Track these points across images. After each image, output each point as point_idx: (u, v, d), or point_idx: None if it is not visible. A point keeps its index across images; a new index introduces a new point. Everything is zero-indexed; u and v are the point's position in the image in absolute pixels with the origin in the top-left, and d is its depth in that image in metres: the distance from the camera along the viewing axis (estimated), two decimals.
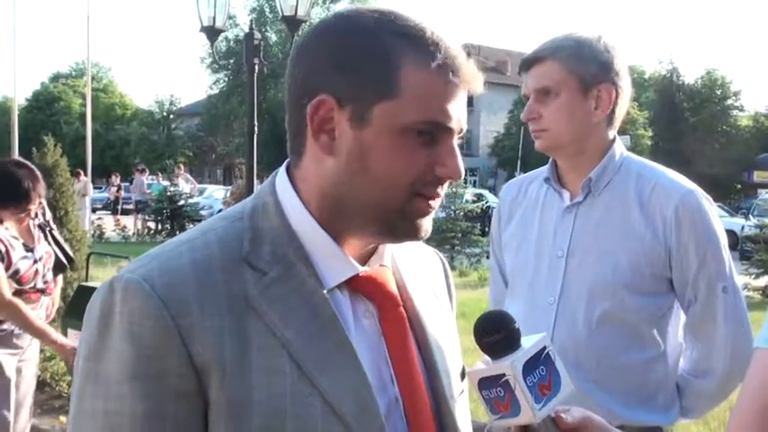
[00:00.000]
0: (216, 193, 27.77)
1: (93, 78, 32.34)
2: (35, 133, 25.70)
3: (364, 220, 1.04)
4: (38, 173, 3.65)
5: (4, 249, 3.47)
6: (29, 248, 3.62)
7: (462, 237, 16.08)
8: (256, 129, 7.73)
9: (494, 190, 35.86)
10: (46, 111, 53.92)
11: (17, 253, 3.54)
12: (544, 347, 1.13)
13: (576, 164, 2.05)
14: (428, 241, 1.13)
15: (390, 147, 1.00)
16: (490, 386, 1.11)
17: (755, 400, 1.12)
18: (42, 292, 3.70)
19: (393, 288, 1.11)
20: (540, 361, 1.12)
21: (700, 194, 2.02)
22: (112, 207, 26.34)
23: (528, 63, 2.03)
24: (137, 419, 0.95)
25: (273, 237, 1.04)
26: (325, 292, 1.03)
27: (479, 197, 22.57)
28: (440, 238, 15.32)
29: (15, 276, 3.53)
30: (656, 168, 2.08)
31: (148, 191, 21.91)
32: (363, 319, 1.07)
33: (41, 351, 4.30)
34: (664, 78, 43.39)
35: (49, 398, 5.51)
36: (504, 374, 1.10)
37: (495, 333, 1.12)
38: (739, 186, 40.01)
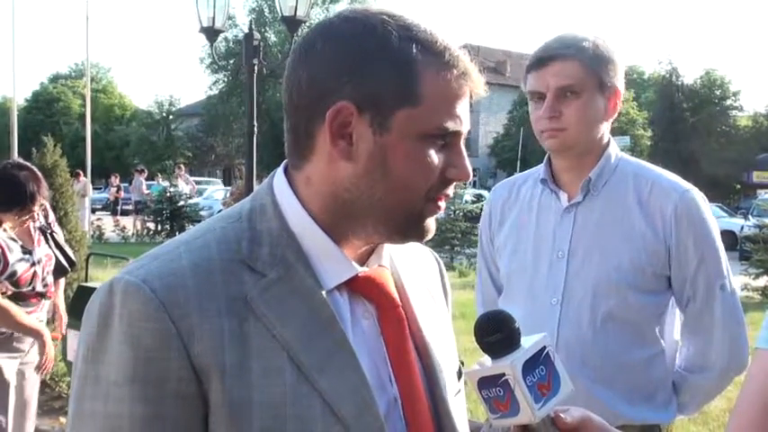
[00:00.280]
0: (216, 193, 27.76)
1: (92, 79, 32.37)
2: (34, 134, 25.70)
3: (376, 222, 1.05)
4: (40, 174, 3.64)
5: (0, 252, 3.47)
6: (27, 250, 3.62)
7: (462, 237, 16.08)
8: (256, 129, 7.73)
9: None
10: (45, 111, 53.87)
11: (14, 255, 3.53)
12: (544, 347, 1.14)
13: (577, 164, 2.06)
14: (428, 241, 1.13)
15: (411, 152, 1.02)
16: (490, 386, 1.12)
17: (756, 401, 1.12)
18: (42, 295, 3.69)
19: (392, 288, 1.12)
20: (539, 361, 1.12)
21: (697, 193, 2.05)
22: (112, 208, 26.32)
23: (546, 60, 1.99)
24: (136, 422, 0.95)
25: (272, 238, 1.04)
26: (323, 293, 1.03)
27: (479, 198, 22.59)
28: (439, 239, 15.33)
29: (12, 278, 3.52)
30: (651, 169, 2.11)
31: (147, 191, 21.90)
32: (362, 319, 1.07)
33: None
34: (663, 79, 43.35)
35: (48, 398, 5.51)
36: (503, 374, 1.10)
37: (495, 333, 1.12)
38: (738, 186, 40.01)
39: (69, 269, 3.98)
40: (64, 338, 5.20)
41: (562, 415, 1.14)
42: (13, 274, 3.52)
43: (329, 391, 0.98)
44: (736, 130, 42.58)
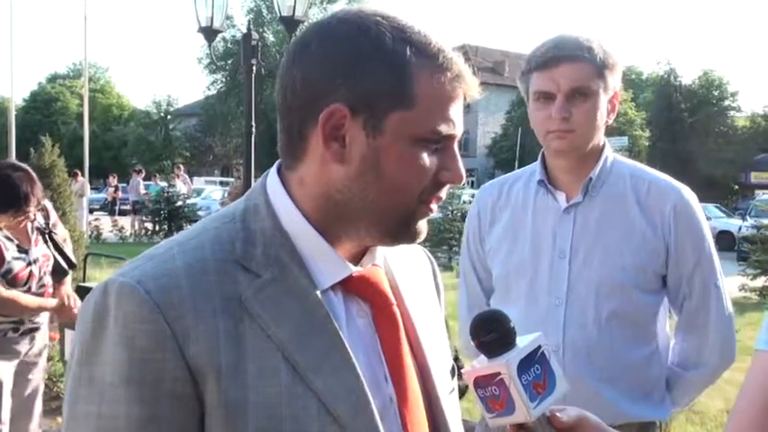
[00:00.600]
0: (213, 193, 27.75)
1: (90, 79, 32.38)
2: (32, 134, 25.69)
3: (369, 224, 1.05)
4: (34, 175, 3.63)
5: None
6: (23, 250, 3.61)
7: (460, 237, 16.01)
8: (254, 129, 7.74)
9: None
10: (43, 111, 53.82)
11: (10, 253, 3.53)
12: (539, 347, 1.14)
13: (577, 165, 2.07)
14: (425, 242, 1.13)
15: (404, 155, 1.01)
16: (486, 385, 1.12)
17: (756, 401, 1.13)
18: (40, 296, 3.68)
19: (386, 287, 1.12)
20: (535, 360, 1.13)
21: (692, 193, 2.09)
22: (110, 208, 26.31)
23: (556, 60, 1.96)
24: (132, 423, 0.95)
25: (265, 238, 1.04)
26: (318, 292, 1.03)
27: None
28: (437, 239, 15.34)
29: (7, 276, 3.52)
30: (646, 169, 2.14)
31: (145, 191, 21.89)
32: (357, 318, 1.07)
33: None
34: (661, 79, 43.38)
35: (47, 399, 5.48)
36: (499, 373, 1.11)
37: (490, 332, 1.13)
38: (737, 187, 40.07)
39: (69, 271, 3.96)
40: (62, 339, 5.20)
41: (558, 414, 1.14)
42: (9, 271, 3.52)
43: (325, 390, 0.98)
44: (734, 131, 42.61)
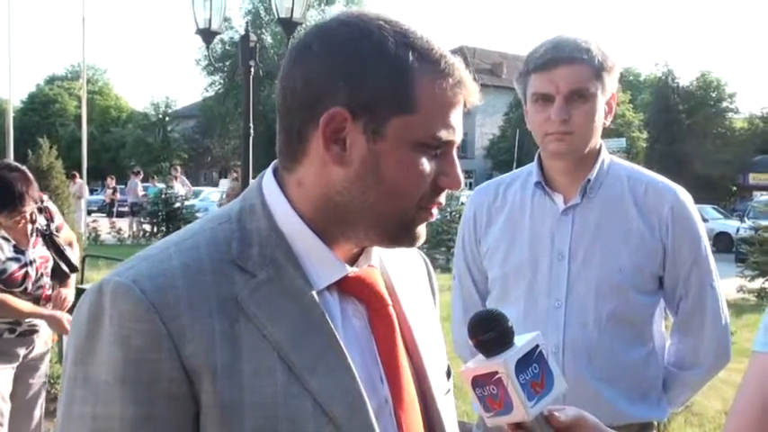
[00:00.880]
0: (212, 195, 27.74)
1: (88, 81, 32.36)
2: (31, 136, 25.73)
3: (368, 227, 1.05)
4: (30, 176, 3.62)
5: None
6: (19, 250, 3.60)
7: None
8: (252, 131, 7.74)
9: None
10: (41, 113, 53.76)
11: (5, 253, 3.52)
12: (537, 346, 1.14)
13: (575, 167, 2.07)
14: (423, 243, 1.14)
15: (404, 160, 1.01)
16: (483, 384, 1.12)
17: (754, 403, 1.13)
18: (37, 298, 3.67)
19: (382, 288, 1.12)
20: (532, 359, 1.13)
21: (687, 194, 2.10)
22: (108, 209, 26.29)
23: (556, 62, 1.96)
24: (127, 423, 0.94)
25: (261, 238, 1.04)
26: (314, 293, 1.03)
27: None
28: (436, 240, 15.32)
29: (2, 276, 3.51)
30: (642, 171, 2.15)
31: (143, 193, 21.89)
32: (353, 319, 1.07)
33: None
34: (659, 80, 43.37)
35: (45, 401, 5.49)
36: (496, 372, 1.11)
37: (488, 331, 1.13)
38: (734, 188, 40.10)
39: (70, 274, 3.94)
40: (60, 340, 5.19)
41: (556, 413, 1.15)
42: (4, 271, 3.51)
43: (320, 391, 0.98)
44: (732, 132, 42.62)
